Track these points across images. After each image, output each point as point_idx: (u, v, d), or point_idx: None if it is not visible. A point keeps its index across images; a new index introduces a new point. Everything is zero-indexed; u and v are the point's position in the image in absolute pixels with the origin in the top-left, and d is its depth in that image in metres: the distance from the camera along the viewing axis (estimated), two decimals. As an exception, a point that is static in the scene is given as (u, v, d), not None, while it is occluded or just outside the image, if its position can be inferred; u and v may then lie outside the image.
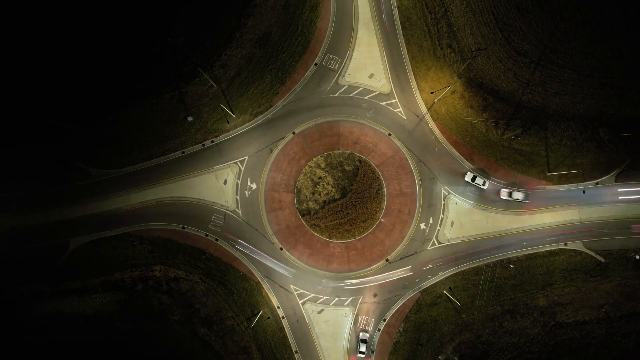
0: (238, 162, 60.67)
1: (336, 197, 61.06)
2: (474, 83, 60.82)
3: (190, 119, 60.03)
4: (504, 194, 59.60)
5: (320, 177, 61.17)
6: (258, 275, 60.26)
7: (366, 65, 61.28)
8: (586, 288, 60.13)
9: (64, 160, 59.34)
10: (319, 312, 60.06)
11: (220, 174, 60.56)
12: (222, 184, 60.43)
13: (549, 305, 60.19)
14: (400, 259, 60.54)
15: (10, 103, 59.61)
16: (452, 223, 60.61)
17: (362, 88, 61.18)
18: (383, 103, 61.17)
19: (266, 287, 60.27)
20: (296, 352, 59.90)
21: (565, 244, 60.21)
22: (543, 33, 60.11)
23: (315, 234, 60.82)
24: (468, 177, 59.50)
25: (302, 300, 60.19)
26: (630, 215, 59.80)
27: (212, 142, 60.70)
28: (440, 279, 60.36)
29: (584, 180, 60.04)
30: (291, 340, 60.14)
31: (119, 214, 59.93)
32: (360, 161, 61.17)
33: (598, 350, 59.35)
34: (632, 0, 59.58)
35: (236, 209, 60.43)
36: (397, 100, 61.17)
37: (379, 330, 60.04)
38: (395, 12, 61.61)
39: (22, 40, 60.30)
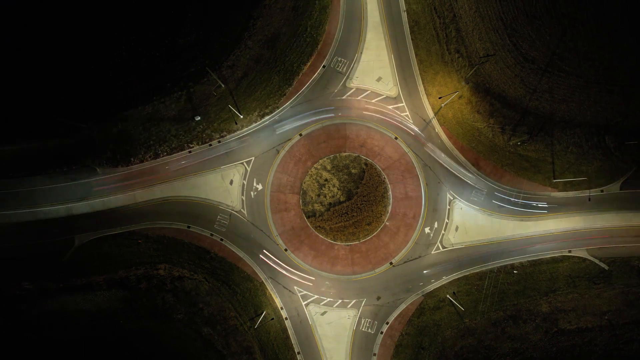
0: (244, 163, 60.81)
1: (342, 200, 61.22)
2: (482, 88, 60.95)
3: (197, 118, 60.17)
4: None
5: (326, 180, 61.32)
6: (262, 276, 60.42)
7: (374, 68, 61.39)
8: (589, 295, 60.29)
9: (72, 158, 59.42)
10: (322, 314, 60.22)
11: (227, 174, 60.70)
12: (228, 184, 60.58)
13: (552, 312, 60.33)
14: (404, 262, 60.70)
15: (18, 100, 59.72)
16: (457, 228, 60.75)
17: (369, 91, 61.29)
18: (390, 106, 61.31)
19: (270, 287, 60.43)
20: (299, 353, 60.06)
21: (570, 251, 60.36)
22: (551, 40, 60.21)
23: (320, 235, 60.97)
24: None
25: (305, 302, 60.37)
26: (635, 223, 60.02)
27: (219, 142, 60.85)
28: (443, 283, 60.50)
29: (589, 188, 60.19)
30: (294, 341, 60.30)
31: (124, 212, 60.03)
32: (366, 164, 61.32)
33: (600, 358, 59.53)
34: (640, 8, 59.89)
35: (242, 210, 60.58)
36: (404, 104, 61.29)
37: (381, 333, 60.20)
38: (404, 16, 61.71)
39: (33, 39, 60.43)
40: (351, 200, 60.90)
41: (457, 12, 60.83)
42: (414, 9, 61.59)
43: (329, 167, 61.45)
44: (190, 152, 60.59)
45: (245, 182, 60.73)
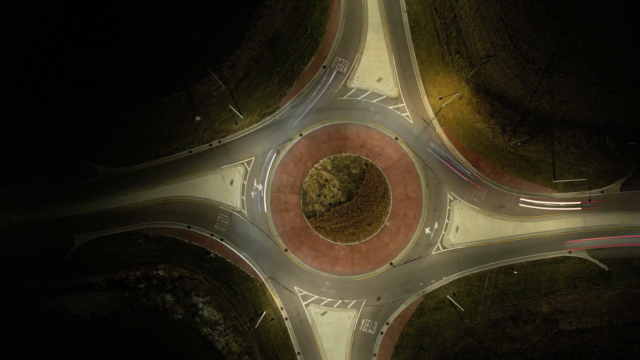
0: (245, 163, 60.80)
1: (342, 200, 61.22)
2: (482, 89, 60.95)
3: (198, 118, 60.16)
4: None
5: (326, 180, 61.32)
6: (262, 276, 60.41)
7: (374, 69, 61.38)
8: (589, 296, 60.28)
9: (71, 158, 59.40)
10: (322, 314, 60.21)
11: (227, 174, 60.69)
12: (229, 184, 60.57)
13: (552, 313, 60.33)
14: (405, 262, 60.69)
15: (18, 100, 59.70)
16: (457, 228, 60.75)
17: (370, 92, 61.28)
18: (391, 107, 61.31)
19: (270, 288, 60.42)
20: (299, 353, 60.04)
21: (570, 252, 60.36)
22: (551, 40, 60.20)
23: (320, 236, 60.96)
24: None
25: (305, 302, 60.35)
26: (635, 224, 60.04)
27: (219, 142, 60.80)
28: (444, 283, 60.49)
29: (589, 188, 60.21)
30: (294, 341, 60.28)
31: (124, 212, 60.02)
32: (366, 164, 61.31)
33: (600, 359, 59.51)
34: (641, 8, 59.92)
35: (242, 210, 60.57)
36: (404, 104, 61.30)
37: (381, 333, 60.18)
38: (405, 16, 61.69)
39: (32, 38, 60.36)
40: (351, 200, 60.89)
41: (457, 13, 60.83)
42: (414, 10, 61.58)
43: (329, 168, 61.45)
44: (190, 152, 60.57)
45: (245, 182, 60.72)
